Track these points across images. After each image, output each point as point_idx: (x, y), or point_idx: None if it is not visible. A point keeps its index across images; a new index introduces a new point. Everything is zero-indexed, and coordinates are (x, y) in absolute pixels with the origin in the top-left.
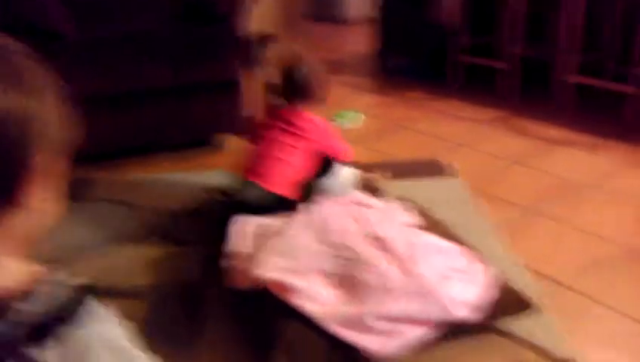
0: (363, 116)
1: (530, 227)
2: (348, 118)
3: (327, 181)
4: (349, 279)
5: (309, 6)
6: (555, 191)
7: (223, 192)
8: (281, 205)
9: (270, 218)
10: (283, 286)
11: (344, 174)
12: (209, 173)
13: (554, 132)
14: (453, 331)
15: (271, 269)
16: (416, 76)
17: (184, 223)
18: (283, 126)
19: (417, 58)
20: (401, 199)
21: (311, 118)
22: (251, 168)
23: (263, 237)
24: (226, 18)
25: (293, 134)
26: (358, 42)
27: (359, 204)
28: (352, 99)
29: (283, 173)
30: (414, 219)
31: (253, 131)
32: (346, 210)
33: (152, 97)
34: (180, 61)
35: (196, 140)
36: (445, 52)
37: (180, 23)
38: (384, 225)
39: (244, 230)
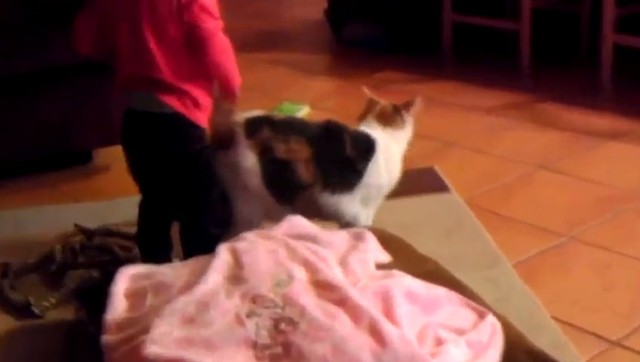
0: (307, 109)
1: (565, 261)
2: (287, 112)
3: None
4: (290, 351)
5: None
6: (601, 207)
7: (102, 232)
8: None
9: (172, 266)
10: None
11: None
12: (80, 204)
13: (596, 120)
14: None
15: (171, 342)
16: (386, 49)
17: (44, 283)
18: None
19: (385, 23)
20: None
21: None
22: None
23: (161, 296)
24: None
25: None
26: (301, 2)
27: (305, 237)
28: (297, 85)
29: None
30: (387, 255)
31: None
32: (286, 248)
33: None
34: (18, 36)
35: (59, 156)
36: (425, 11)
37: None
38: (342, 268)
39: (132, 286)
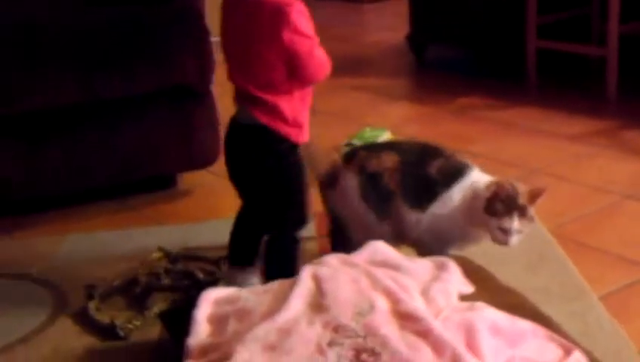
0: (388, 134)
1: None
2: (368, 138)
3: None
4: None
5: None
6: None
7: (185, 256)
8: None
9: (254, 291)
10: None
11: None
12: (163, 227)
13: None
14: None
15: None
16: (469, 72)
17: (128, 305)
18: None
19: (469, 46)
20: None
21: None
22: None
23: (243, 321)
24: None
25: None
26: (382, 27)
27: (387, 265)
28: (378, 110)
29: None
30: (470, 286)
31: None
32: (368, 276)
33: (67, 121)
34: (102, 64)
35: (143, 181)
36: (510, 34)
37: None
38: (424, 298)
39: (215, 311)
